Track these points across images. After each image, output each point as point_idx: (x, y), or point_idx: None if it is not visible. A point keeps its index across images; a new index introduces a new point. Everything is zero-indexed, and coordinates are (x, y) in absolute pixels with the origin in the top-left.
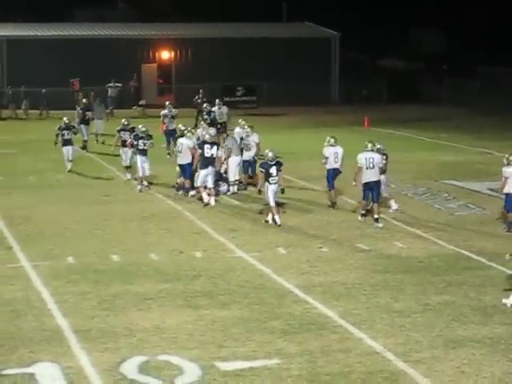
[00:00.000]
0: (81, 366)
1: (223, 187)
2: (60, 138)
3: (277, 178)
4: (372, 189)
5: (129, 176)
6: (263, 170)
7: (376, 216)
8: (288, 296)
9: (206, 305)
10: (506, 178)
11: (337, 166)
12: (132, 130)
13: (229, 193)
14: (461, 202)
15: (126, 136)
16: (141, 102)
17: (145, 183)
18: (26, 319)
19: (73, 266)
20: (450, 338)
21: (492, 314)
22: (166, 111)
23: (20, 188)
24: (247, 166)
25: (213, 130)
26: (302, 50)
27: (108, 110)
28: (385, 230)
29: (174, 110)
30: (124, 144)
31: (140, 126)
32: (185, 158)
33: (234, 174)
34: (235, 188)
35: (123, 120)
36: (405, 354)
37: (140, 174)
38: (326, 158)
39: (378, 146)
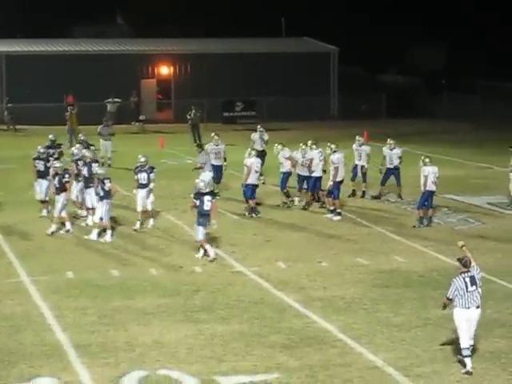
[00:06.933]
0: (80, 380)
1: None
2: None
3: (150, 183)
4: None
5: (44, 212)
6: (137, 177)
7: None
8: (288, 310)
9: (205, 319)
10: (425, 177)
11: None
12: (47, 159)
13: None
14: (460, 216)
15: (41, 166)
16: (140, 118)
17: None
18: (26, 334)
19: (72, 281)
20: (450, 352)
21: (492, 327)
22: (257, 135)
23: (20, 203)
24: (313, 181)
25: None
26: (301, 64)
27: None
28: (384, 244)
29: (265, 134)
30: (39, 175)
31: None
32: (251, 178)
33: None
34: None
35: (39, 147)
36: (405, 369)
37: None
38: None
39: None
